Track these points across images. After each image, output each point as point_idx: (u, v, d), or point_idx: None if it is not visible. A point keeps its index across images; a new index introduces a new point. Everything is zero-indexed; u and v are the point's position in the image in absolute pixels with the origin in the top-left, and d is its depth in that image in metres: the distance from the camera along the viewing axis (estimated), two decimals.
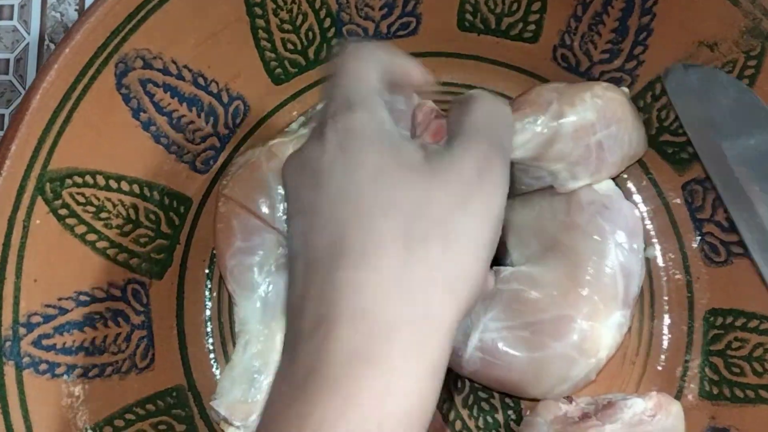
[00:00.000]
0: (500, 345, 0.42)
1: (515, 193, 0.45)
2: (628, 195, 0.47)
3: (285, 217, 0.40)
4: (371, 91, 0.29)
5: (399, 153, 0.28)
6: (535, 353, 0.42)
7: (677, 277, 0.46)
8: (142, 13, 0.40)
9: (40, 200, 0.39)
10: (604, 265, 0.41)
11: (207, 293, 0.46)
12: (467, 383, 0.46)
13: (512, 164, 0.40)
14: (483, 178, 0.28)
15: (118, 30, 0.39)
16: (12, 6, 0.52)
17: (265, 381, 0.41)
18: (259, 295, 0.41)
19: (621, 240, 0.42)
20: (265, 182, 0.41)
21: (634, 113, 0.44)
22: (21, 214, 0.38)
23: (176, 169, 0.45)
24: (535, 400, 0.44)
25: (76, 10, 0.52)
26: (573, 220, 0.42)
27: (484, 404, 0.46)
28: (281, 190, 0.41)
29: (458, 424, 0.45)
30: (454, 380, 0.46)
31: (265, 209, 0.41)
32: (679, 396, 0.45)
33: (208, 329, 0.46)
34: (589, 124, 0.41)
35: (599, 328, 0.40)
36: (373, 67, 0.30)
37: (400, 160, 0.27)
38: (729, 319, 0.44)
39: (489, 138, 0.30)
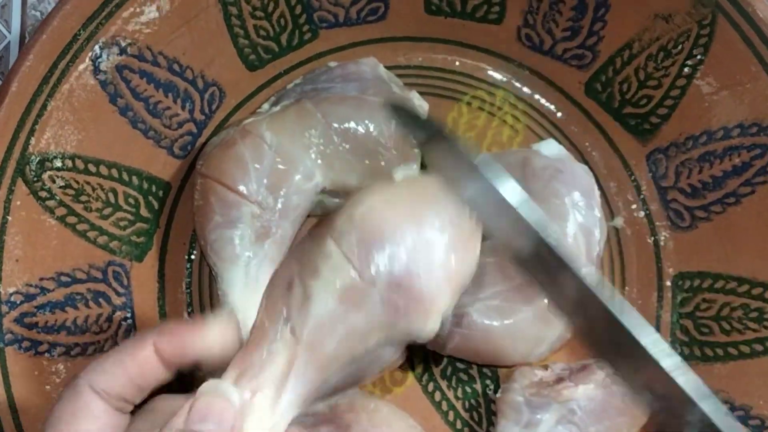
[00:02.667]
0: (474, 316, 0.43)
1: None
2: (595, 167, 0.49)
3: (262, 191, 0.42)
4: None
5: None
6: (509, 319, 0.43)
7: (645, 244, 0.47)
8: (116, 0, 0.41)
9: (20, 182, 0.40)
10: (565, 226, 0.42)
11: (187, 276, 0.47)
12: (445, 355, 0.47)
13: None
14: None
15: (94, 16, 0.41)
16: None
17: None
18: (241, 265, 0.42)
19: (577, 200, 0.43)
20: (240, 157, 0.42)
21: None
22: (1, 195, 0.39)
23: (154, 154, 0.46)
24: (517, 366, 0.45)
25: None
26: (529, 186, 0.43)
27: (462, 375, 0.46)
28: (257, 165, 0.43)
29: (437, 395, 0.46)
30: (432, 353, 0.46)
31: (241, 183, 0.42)
32: None
33: (190, 310, 0.47)
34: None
35: None
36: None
37: None
38: (696, 282, 0.45)
39: None
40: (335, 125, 0.44)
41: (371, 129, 0.44)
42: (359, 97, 0.44)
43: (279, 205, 0.43)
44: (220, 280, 0.43)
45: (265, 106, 0.46)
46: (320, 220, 0.33)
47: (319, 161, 0.44)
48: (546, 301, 0.42)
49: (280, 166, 0.44)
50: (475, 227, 0.28)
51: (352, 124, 0.44)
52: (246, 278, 0.42)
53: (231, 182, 0.42)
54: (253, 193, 0.42)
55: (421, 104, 0.46)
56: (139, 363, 0.28)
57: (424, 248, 0.28)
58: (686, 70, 0.44)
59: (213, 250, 0.43)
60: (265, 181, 0.43)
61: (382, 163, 0.44)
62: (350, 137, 0.44)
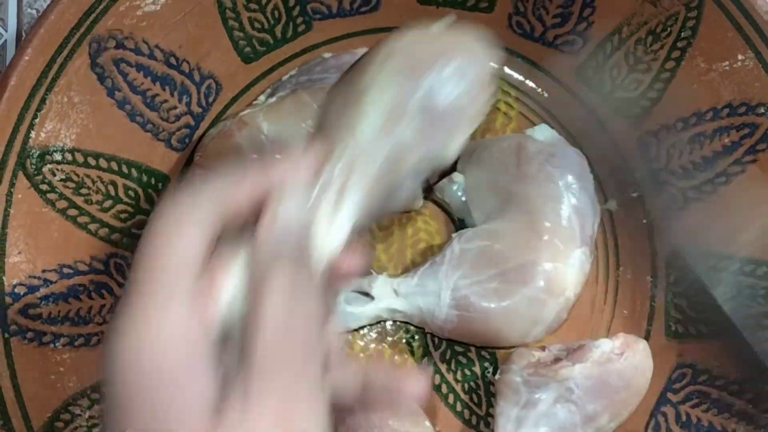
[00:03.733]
0: (473, 299, 0.44)
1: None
2: (588, 152, 0.50)
3: None
4: (169, 281, 0.24)
5: (173, 386, 0.23)
6: (506, 301, 0.43)
7: (638, 225, 0.48)
8: None
9: (21, 175, 0.40)
10: (559, 209, 0.43)
11: None
12: (444, 339, 0.47)
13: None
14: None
15: (91, 10, 0.41)
16: None
17: None
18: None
19: (571, 182, 0.44)
20: (237, 148, 0.43)
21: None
22: (3, 189, 0.39)
23: (152, 147, 0.46)
24: (515, 347, 0.45)
25: None
26: (524, 170, 0.44)
27: (461, 358, 0.47)
28: (255, 155, 0.43)
29: (437, 378, 0.47)
30: (431, 337, 0.47)
31: None
32: (647, 338, 0.46)
33: None
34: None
35: (563, 268, 0.42)
36: (191, 240, 0.24)
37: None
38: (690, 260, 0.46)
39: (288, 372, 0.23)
40: None
41: None
42: None
43: None
44: None
45: (261, 98, 0.47)
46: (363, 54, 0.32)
47: None
48: (542, 282, 0.42)
49: (278, 156, 0.44)
50: (492, 78, 0.33)
51: None
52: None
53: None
54: None
55: None
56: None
57: (455, 80, 0.31)
58: (675, 52, 0.45)
59: None
60: None
61: None
62: None
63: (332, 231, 0.28)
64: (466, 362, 0.47)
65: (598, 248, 0.49)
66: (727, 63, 0.43)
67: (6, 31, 0.54)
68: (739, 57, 0.43)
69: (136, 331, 0.23)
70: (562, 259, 0.42)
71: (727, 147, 0.44)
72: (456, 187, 0.47)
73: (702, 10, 0.43)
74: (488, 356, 0.47)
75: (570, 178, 0.44)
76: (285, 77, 0.48)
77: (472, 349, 0.47)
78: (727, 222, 0.45)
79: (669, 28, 0.45)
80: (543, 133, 0.46)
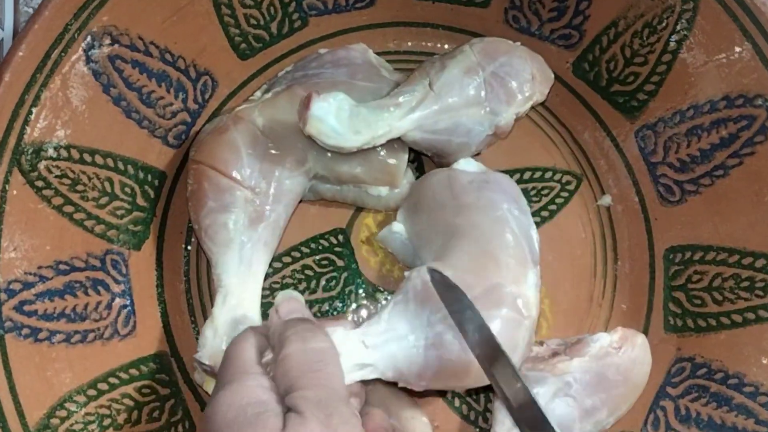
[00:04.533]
0: (448, 336, 0.38)
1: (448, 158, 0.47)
2: (584, 146, 0.50)
3: (255, 175, 0.43)
4: (244, 368, 0.35)
5: (257, 422, 0.33)
6: None
7: (636, 220, 0.48)
8: None
9: (16, 171, 0.40)
10: (507, 231, 0.41)
11: (185, 263, 0.48)
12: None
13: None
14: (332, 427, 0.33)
15: (85, 6, 0.41)
16: None
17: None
18: (235, 250, 0.43)
19: (510, 206, 0.42)
20: (233, 143, 0.43)
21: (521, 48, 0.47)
22: None
23: (149, 144, 0.46)
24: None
25: None
26: (462, 201, 0.42)
27: None
28: (250, 150, 0.43)
29: None
30: None
31: (234, 169, 0.43)
32: (645, 332, 0.46)
33: (189, 298, 0.47)
34: (472, 63, 0.44)
35: (525, 289, 0.40)
36: (250, 346, 0.37)
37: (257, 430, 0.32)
38: (687, 255, 0.46)
39: (319, 397, 0.33)
40: None
41: None
42: (349, 82, 0.45)
43: (272, 190, 0.44)
44: (214, 264, 0.43)
45: (258, 93, 0.47)
46: None
47: (311, 146, 0.45)
48: (514, 303, 0.39)
49: (273, 151, 0.44)
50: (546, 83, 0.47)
51: None
52: (240, 262, 0.43)
53: (224, 168, 0.43)
54: (246, 178, 0.43)
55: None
56: None
57: (521, 63, 0.45)
58: (671, 45, 0.45)
59: (207, 236, 0.43)
60: (257, 166, 0.43)
61: (371, 151, 0.45)
62: None
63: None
64: None
65: (595, 243, 0.49)
66: (724, 55, 0.43)
67: (2, 29, 0.54)
68: (737, 49, 0.42)
69: (232, 393, 0.34)
70: (522, 281, 0.40)
71: (725, 139, 0.44)
72: (398, 236, 0.46)
73: (698, 2, 0.43)
74: None
75: (508, 202, 0.42)
76: (281, 73, 0.48)
77: None
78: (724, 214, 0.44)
79: (665, 21, 0.44)
80: (469, 165, 0.45)
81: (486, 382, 0.37)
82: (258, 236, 0.43)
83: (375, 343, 0.38)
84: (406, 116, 0.43)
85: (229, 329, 0.42)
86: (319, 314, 0.47)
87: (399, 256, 0.47)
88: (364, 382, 0.38)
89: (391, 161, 0.45)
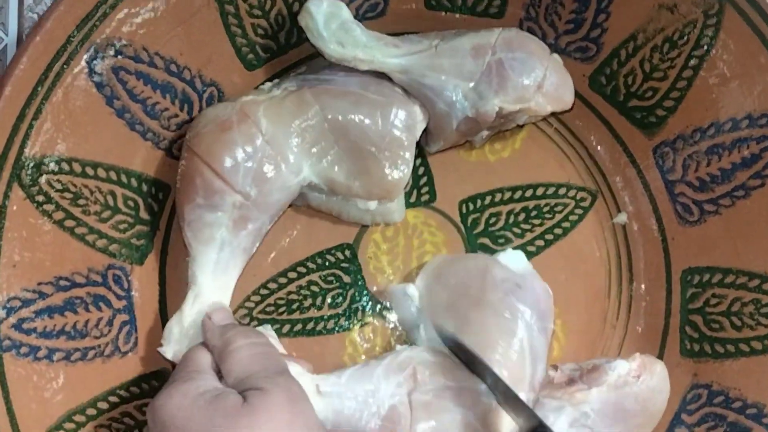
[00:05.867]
0: (399, 408, 0.39)
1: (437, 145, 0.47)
2: (600, 162, 0.48)
3: (248, 182, 0.43)
4: (199, 369, 0.37)
5: (216, 403, 0.34)
6: (434, 418, 0.39)
7: (652, 239, 0.47)
8: (111, 1, 0.40)
9: (16, 186, 0.39)
10: (512, 345, 0.40)
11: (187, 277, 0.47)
12: None
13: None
14: (295, 403, 0.35)
15: (88, 18, 0.40)
16: None
17: None
18: (214, 250, 0.42)
19: (531, 320, 0.41)
20: (233, 144, 0.42)
21: (555, 60, 0.45)
22: None
23: (153, 156, 0.45)
24: None
25: None
26: (485, 297, 0.41)
27: None
28: (248, 155, 0.42)
29: None
30: None
31: (229, 171, 0.42)
32: (661, 356, 0.45)
33: None
34: (487, 44, 0.43)
35: (502, 411, 0.39)
36: (205, 354, 0.39)
37: (218, 409, 0.34)
38: (706, 277, 0.44)
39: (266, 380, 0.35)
40: (331, 118, 0.43)
41: (367, 128, 0.43)
42: (360, 93, 0.44)
43: (261, 199, 0.43)
44: (192, 260, 0.43)
45: (268, 84, 0.46)
46: None
47: (310, 155, 0.44)
48: (479, 413, 0.39)
49: (269, 161, 0.43)
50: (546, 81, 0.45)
51: (349, 120, 0.43)
52: (217, 263, 0.43)
53: (219, 168, 0.42)
54: (239, 184, 0.42)
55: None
56: None
57: (527, 66, 0.43)
58: (693, 61, 0.43)
59: (190, 229, 0.43)
60: (252, 173, 0.42)
61: (373, 164, 0.44)
62: (345, 133, 0.43)
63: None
64: None
65: (610, 262, 0.47)
66: (747, 72, 0.41)
67: (7, 35, 0.53)
68: (761, 67, 0.41)
69: (187, 385, 0.35)
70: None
71: (747, 159, 0.42)
72: (410, 302, 0.45)
73: (722, 17, 0.41)
74: None
75: (532, 315, 0.41)
76: (293, 73, 0.47)
77: None
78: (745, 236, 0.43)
79: (686, 36, 0.43)
80: (514, 259, 0.44)
81: None
82: (238, 242, 0.43)
83: (328, 391, 0.39)
84: (394, 58, 0.44)
85: (195, 328, 0.42)
86: (324, 331, 0.46)
87: (400, 318, 0.46)
88: None
89: (395, 176, 0.44)
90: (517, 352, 0.40)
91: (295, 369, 0.39)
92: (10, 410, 0.38)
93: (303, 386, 0.37)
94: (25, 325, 0.39)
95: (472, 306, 0.42)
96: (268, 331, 0.44)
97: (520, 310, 0.41)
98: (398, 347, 0.41)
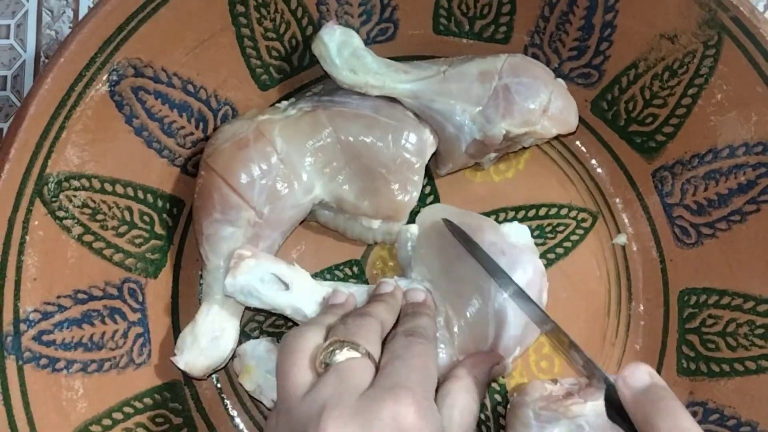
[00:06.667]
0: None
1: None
2: (601, 184, 0.50)
3: (262, 199, 0.44)
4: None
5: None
6: None
7: (651, 260, 0.48)
8: (133, 24, 0.42)
9: (38, 202, 0.40)
10: (480, 304, 0.43)
11: (200, 291, 0.48)
12: None
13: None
14: None
15: (111, 40, 0.41)
16: (8, 25, 0.54)
17: (224, 343, 0.44)
18: (226, 270, 0.43)
19: (510, 293, 0.43)
20: (249, 161, 0.43)
21: (559, 85, 0.47)
22: (20, 216, 0.40)
23: (168, 172, 0.47)
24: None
25: (70, 27, 0.54)
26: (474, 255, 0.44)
27: None
28: (264, 172, 0.43)
29: None
30: None
31: (246, 188, 0.43)
32: (658, 374, 0.46)
33: None
34: (494, 69, 0.45)
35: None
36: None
37: None
38: (702, 298, 0.46)
39: None
40: (344, 140, 0.45)
41: (379, 150, 0.44)
42: (373, 117, 0.45)
43: (274, 216, 0.44)
44: (207, 273, 0.44)
45: (284, 103, 0.47)
46: None
47: (322, 174, 0.45)
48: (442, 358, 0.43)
49: (283, 179, 0.44)
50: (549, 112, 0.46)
51: (361, 143, 0.45)
52: None
53: (236, 184, 0.43)
54: (254, 200, 0.43)
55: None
56: None
57: (533, 91, 0.45)
58: (692, 89, 0.45)
59: (208, 242, 0.44)
60: (267, 190, 0.44)
61: (383, 186, 0.45)
62: (357, 155, 0.45)
63: None
64: None
65: (610, 281, 0.49)
66: (744, 102, 0.43)
67: (25, 51, 0.55)
68: (757, 97, 0.42)
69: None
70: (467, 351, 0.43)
71: (743, 185, 0.44)
72: (408, 238, 0.47)
73: (720, 48, 0.43)
74: (498, 388, 0.47)
75: (512, 288, 0.43)
76: (308, 93, 0.48)
77: None
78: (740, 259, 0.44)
79: (686, 65, 0.44)
80: (516, 231, 0.45)
81: None
82: None
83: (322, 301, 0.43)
84: (404, 83, 0.45)
85: (208, 340, 0.43)
86: None
87: (399, 254, 0.48)
88: None
89: (404, 198, 0.45)
90: (481, 312, 0.43)
91: (305, 277, 0.43)
92: (30, 421, 0.39)
93: (303, 288, 0.42)
94: (44, 337, 0.40)
95: (457, 258, 0.44)
96: (274, 344, 0.45)
97: (497, 276, 0.43)
98: (390, 278, 0.45)
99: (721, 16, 0.42)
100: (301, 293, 0.43)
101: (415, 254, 0.46)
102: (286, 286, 0.43)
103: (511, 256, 0.44)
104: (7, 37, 0.54)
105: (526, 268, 0.44)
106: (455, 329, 0.44)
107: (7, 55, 0.54)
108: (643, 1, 0.44)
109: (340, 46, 0.45)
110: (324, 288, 0.43)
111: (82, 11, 0.55)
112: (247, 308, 0.46)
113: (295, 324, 0.46)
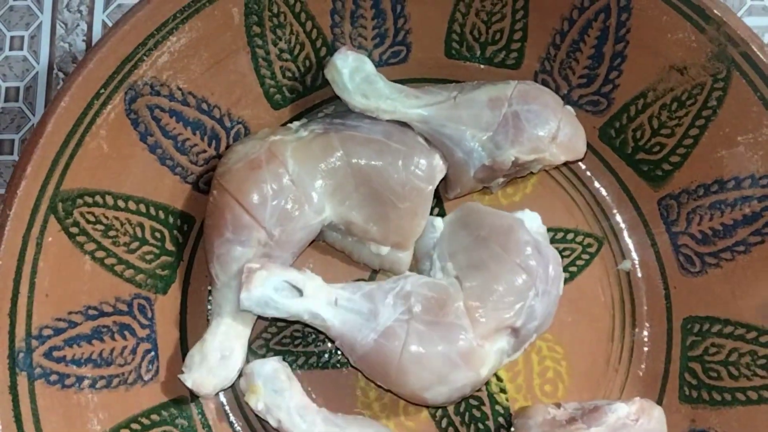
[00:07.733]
0: (397, 329, 0.43)
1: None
2: (607, 210, 0.50)
3: (273, 220, 0.44)
4: None
5: None
6: (424, 347, 0.43)
7: (655, 287, 0.49)
8: (150, 44, 0.42)
9: (52, 219, 0.41)
10: (516, 303, 0.44)
11: (209, 308, 0.48)
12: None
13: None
14: None
15: (128, 59, 0.42)
16: (22, 37, 0.55)
17: (232, 363, 0.44)
18: (238, 286, 0.43)
19: (539, 286, 0.44)
20: (262, 182, 0.44)
21: (568, 112, 0.48)
22: (35, 232, 0.40)
23: (180, 189, 0.47)
24: (414, 403, 0.47)
25: (83, 40, 0.55)
26: (507, 255, 0.45)
27: (475, 411, 0.47)
28: (275, 193, 0.44)
29: (451, 431, 0.47)
30: None
31: (257, 209, 0.44)
32: (660, 401, 0.47)
33: None
34: (504, 96, 0.46)
35: (487, 347, 0.44)
36: None
37: None
38: (705, 326, 0.47)
39: None
40: (355, 163, 0.45)
41: (389, 176, 0.45)
42: (383, 142, 0.45)
43: (284, 237, 0.45)
44: (217, 291, 0.45)
45: (296, 124, 0.48)
46: None
47: (332, 197, 0.46)
48: (462, 348, 0.43)
49: (294, 200, 0.45)
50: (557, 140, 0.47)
51: (372, 167, 0.45)
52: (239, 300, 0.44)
53: (248, 205, 0.44)
54: (265, 220, 0.44)
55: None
56: None
57: (542, 118, 0.46)
58: (699, 121, 0.45)
59: (218, 262, 0.44)
60: (278, 211, 0.44)
61: (392, 212, 0.45)
62: (367, 179, 0.45)
63: None
64: (480, 416, 0.47)
65: (614, 307, 0.49)
66: (751, 135, 0.44)
67: (38, 63, 0.55)
68: (764, 131, 0.43)
69: None
70: (489, 341, 0.44)
71: (748, 217, 0.45)
72: (432, 232, 0.48)
73: (729, 82, 0.44)
74: (502, 411, 0.48)
75: (541, 281, 0.44)
76: (321, 114, 0.49)
77: (487, 402, 0.48)
78: (743, 289, 0.45)
79: (695, 97, 0.45)
80: (530, 218, 0.47)
81: (398, 388, 0.43)
82: None
83: (342, 305, 0.43)
84: (415, 109, 0.46)
85: (216, 358, 0.44)
86: (338, 365, 0.48)
87: (417, 245, 0.48)
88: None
89: (411, 225, 0.46)
90: (515, 309, 0.44)
91: (319, 282, 0.43)
92: None
93: (322, 297, 0.43)
94: (55, 353, 0.41)
95: (492, 258, 0.45)
96: (281, 363, 0.45)
97: (534, 272, 0.44)
98: (407, 273, 0.46)
99: (730, 50, 0.43)
100: (315, 296, 0.43)
101: (439, 248, 0.47)
102: (300, 292, 0.43)
103: (542, 251, 0.45)
104: (21, 49, 0.55)
105: (554, 261, 0.46)
106: (481, 318, 0.44)
107: (21, 66, 0.55)
108: (653, 33, 0.45)
109: (352, 72, 0.46)
110: (337, 290, 0.44)
111: (96, 24, 0.55)
112: (255, 324, 0.46)
113: (314, 331, 0.47)
